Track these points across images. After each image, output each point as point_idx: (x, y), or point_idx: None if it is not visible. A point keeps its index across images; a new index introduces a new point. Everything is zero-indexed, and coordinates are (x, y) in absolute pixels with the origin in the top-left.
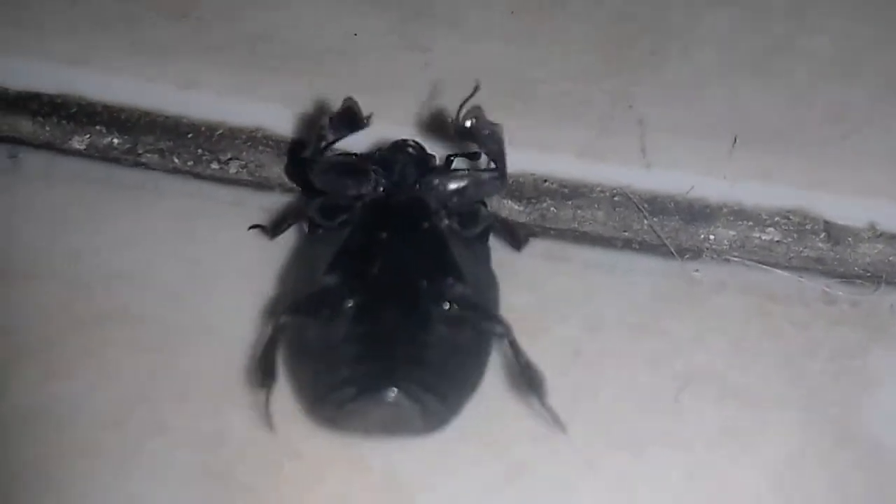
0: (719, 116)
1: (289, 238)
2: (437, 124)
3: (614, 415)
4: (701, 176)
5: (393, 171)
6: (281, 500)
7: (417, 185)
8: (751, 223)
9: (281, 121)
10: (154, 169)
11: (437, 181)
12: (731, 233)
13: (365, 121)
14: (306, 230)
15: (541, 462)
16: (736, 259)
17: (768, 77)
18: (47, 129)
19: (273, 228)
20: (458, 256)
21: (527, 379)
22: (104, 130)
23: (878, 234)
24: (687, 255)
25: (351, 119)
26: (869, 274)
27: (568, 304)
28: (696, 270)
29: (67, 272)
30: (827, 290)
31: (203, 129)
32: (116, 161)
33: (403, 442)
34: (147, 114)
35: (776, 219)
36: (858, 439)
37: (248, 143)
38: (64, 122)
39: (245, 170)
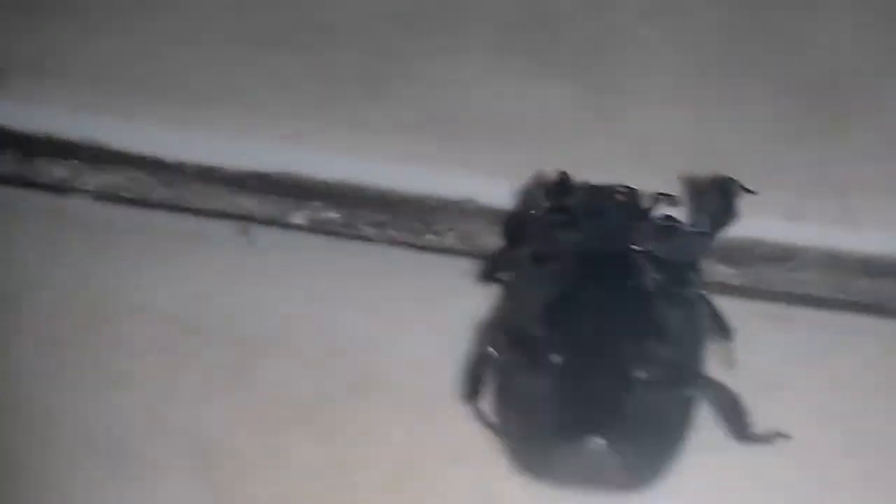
0: None
1: None
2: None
3: (872, 475)
4: None
5: (602, 219)
6: None
7: (626, 234)
8: None
9: (491, 191)
10: (373, 241)
11: (645, 232)
12: None
13: (571, 187)
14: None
15: None
16: None
17: None
18: (267, 205)
19: (486, 274)
20: (662, 314)
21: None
22: (322, 205)
23: None
24: None
25: (563, 189)
26: None
27: (802, 362)
28: None
29: (319, 341)
30: None
31: (416, 201)
32: (336, 234)
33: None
34: (361, 189)
35: None
36: None
37: (460, 214)
38: (283, 198)
39: (460, 240)
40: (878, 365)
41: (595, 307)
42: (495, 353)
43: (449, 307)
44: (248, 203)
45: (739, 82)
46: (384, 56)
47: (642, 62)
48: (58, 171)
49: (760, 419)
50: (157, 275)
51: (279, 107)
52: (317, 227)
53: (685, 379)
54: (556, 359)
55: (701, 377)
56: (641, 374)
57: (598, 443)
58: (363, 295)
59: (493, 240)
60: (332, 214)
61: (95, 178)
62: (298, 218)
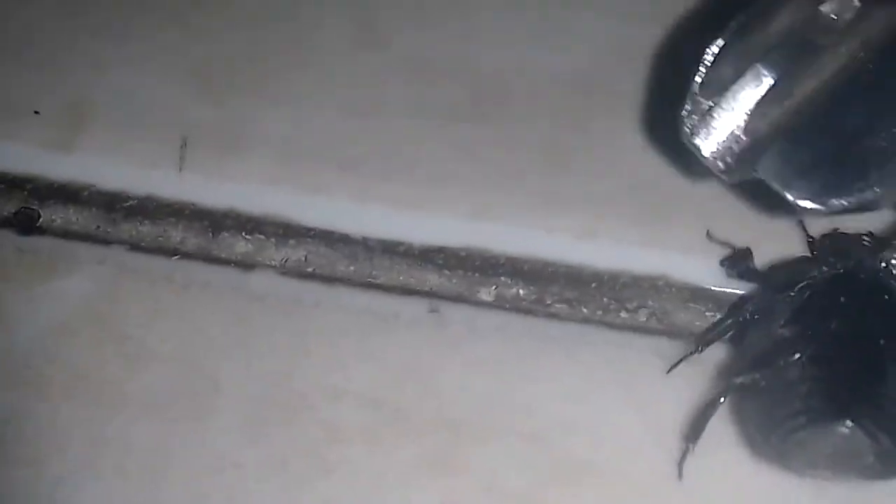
0: None
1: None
2: None
3: None
4: None
5: (849, 259)
6: None
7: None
8: None
9: (683, 268)
10: (565, 319)
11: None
12: None
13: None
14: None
15: None
16: None
17: None
18: (454, 281)
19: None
20: None
21: None
22: (509, 281)
23: None
24: None
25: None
26: None
27: None
28: None
29: (522, 425)
30: None
31: (606, 277)
32: (528, 312)
33: None
34: (550, 264)
35: None
36: None
37: (653, 291)
38: (470, 273)
39: (654, 317)
40: None
41: (847, 313)
42: (742, 378)
43: (648, 388)
44: (434, 279)
45: None
46: (569, 126)
47: None
48: (242, 245)
49: None
50: (351, 354)
51: (464, 180)
52: (504, 304)
53: None
54: (807, 353)
55: None
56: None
57: (849, 426)
58: (559, 375)
59: (686, 316)
60: (521, 290)
61: (280, 253)
62: (485, 294)
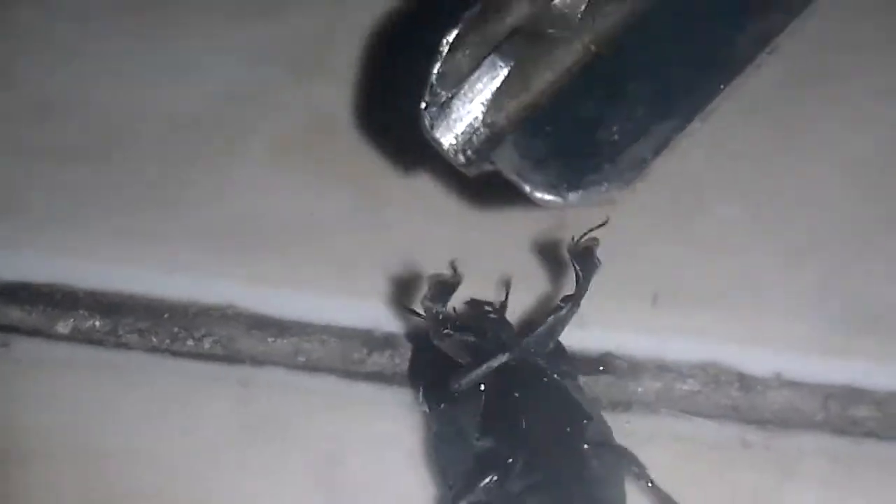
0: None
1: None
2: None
3: None
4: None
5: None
6: None
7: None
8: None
9: (249, 297)
10: (134, 349)
11: (535, 339)
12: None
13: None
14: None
15: None
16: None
17: None
18: (33, 315)
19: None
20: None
21: None
22: (87, 314)
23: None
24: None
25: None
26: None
27: None
28: (628, 422)
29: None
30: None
31: (180, 308)
32: (99, 343)
33: None
34: (130, 297)
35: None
36: None
37: (221, 319)
38: (49, 308)
39: (219, 345)
40: None
41: (526, 407)
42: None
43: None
44: (13, 314)
45: None
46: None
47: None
48: None
49: None
50: None
51: (48, 215)
52: (79, 337)
53: (620, 451)
54: (518, 461)
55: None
56: (586, 450)
57: None
58: (120, 402)
59: (248, 343)
60: (96, 323)
61: None
62: (62, 328)
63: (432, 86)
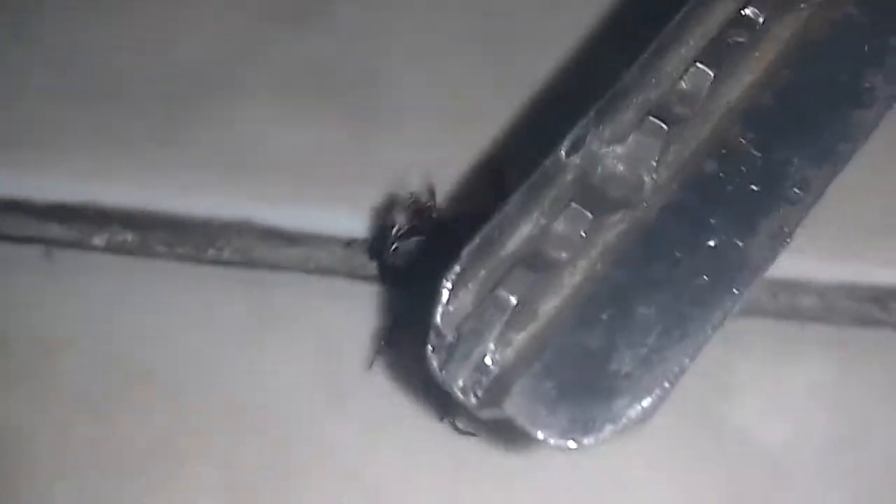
0: None
1: None
2: None
3: None
4: None
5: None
6: None
7: None
8: None
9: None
10: (162, 258)
11: None
12: None
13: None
14: None
15: None
16: None
17: None
18: (73, 230)
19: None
20: None
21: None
22: (119, 229)
23: None
24: None
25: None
26: None
27: None
28: None
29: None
30: None
31: (201, 223)
32: (131, 253)
33: None
34: (158, 214)
35: None
36: None
37: (238, 232)
38: (85, 225)
39: (238, 253)
40: None
41: None
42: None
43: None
44: (53, 229)
45: None
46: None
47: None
48: None
49: None
50: None
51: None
52: (114, 248)
53: None
54: None
55: None
56: None
57: None
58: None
59: (264, 253)
60: (129, 237)
61: None
62: (98, 241)
63: (437, 328)
